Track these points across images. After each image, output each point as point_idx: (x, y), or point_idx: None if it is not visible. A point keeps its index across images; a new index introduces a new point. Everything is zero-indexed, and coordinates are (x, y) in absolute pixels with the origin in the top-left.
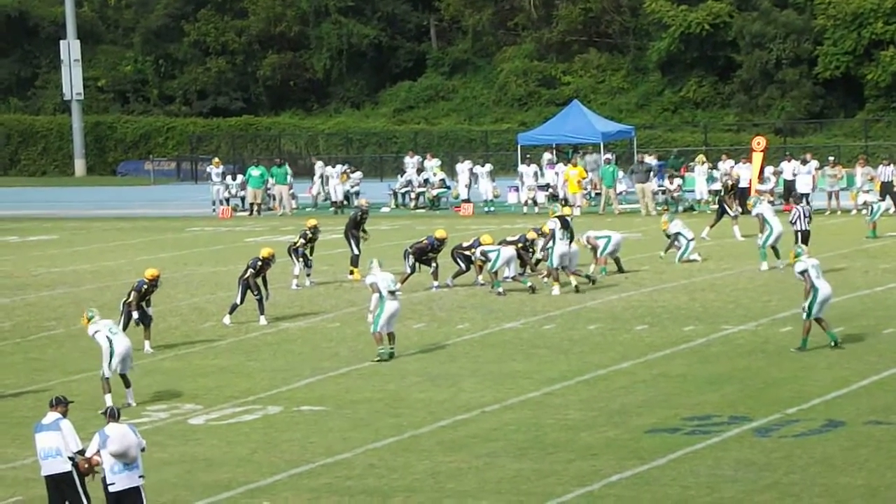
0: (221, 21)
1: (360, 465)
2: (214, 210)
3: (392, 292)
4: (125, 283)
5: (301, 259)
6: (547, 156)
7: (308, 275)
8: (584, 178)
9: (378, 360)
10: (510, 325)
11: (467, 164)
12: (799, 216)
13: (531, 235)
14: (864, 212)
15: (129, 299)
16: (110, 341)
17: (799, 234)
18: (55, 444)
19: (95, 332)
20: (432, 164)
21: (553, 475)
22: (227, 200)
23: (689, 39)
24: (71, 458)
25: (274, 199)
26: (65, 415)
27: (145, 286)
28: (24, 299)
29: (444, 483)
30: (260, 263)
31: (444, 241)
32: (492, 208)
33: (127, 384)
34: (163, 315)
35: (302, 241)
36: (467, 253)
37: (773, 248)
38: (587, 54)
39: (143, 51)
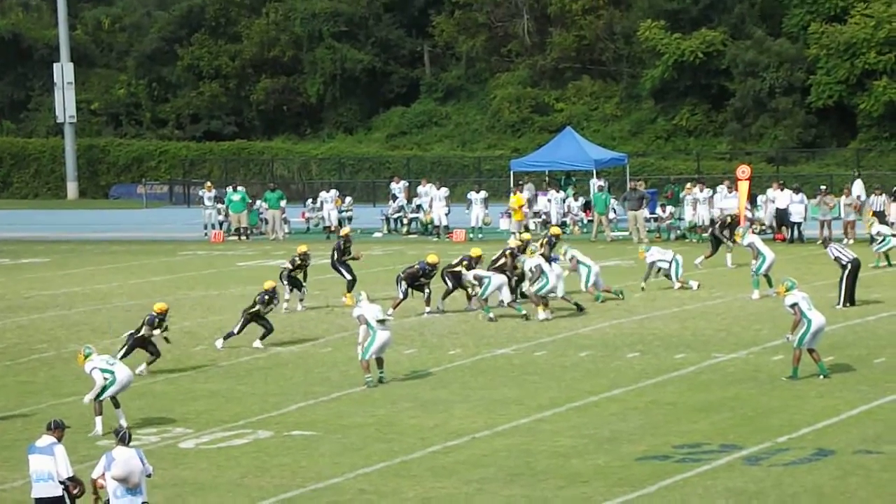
0: (215, 45)
1: (351, 491)
2: (206, 234)
3: (381, 321)
4: (116, 307)
5: (289, 284)
6: (528, 187)
7: (301, 299)
8: (521, 206)
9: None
10: (502, 352)
11: (443, 191)
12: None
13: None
14: (873, 243)
15: (140, 333)
16: (112, 373)
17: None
18: (47, 468)
19: (92, 368)
20: (426, 189)
21: (543, 502)
22: (220, 224)
23: (682, 67)
24: (62, 483)
25: (266, 223)
26: (60, 439)
27: (157, 320)
28: (15, 322)
29: None
30: (267, 297)
31: (436, 266)
32: (480, 235)
33: (116, 405)
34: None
35: (289, 266)
36: (456, 270)
37: (766, 276)
38: (580, 81)
39: (136, 74)
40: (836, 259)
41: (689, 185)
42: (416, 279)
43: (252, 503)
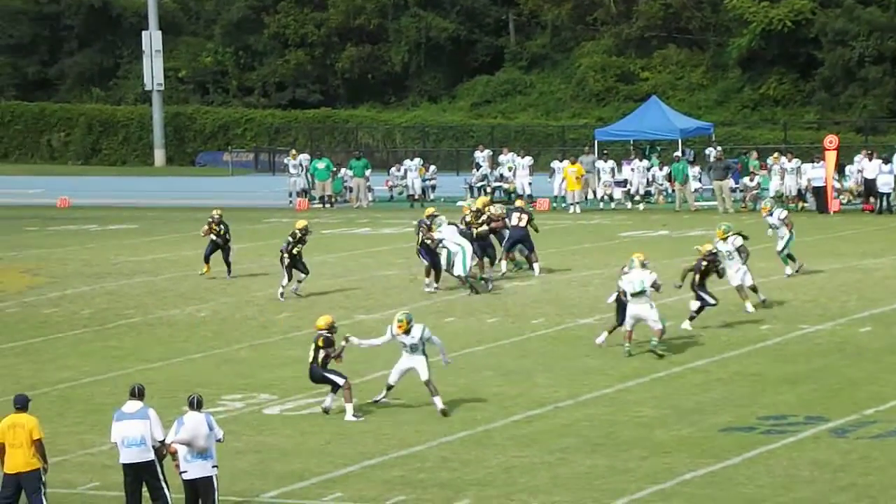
0: (301, 13)
1: (433, 458)
2: (291, 202)
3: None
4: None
5: (286, 268)
6: (589, 157)
7: (300, 280)
8: (581, 175)
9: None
10: (585, 321)
11: (527, 159)
12: None
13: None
14: None
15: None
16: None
17: None
18: (140, 433)
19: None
20: (508, 158)
21: (626, 472)
22: (305, 192)
23: (770, 36)
24: (155, 447)
25: (350, 191)
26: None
27: (298, 234)
28: (103, 287)
29: (516, 478)
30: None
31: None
32: (564, 204)
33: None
34: (239, 306)
35: (290, 240)
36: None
37: (789, 255)
38: (666, 50)
39: (223, 42)
40: None
41: (775, 154)
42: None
43: (335, 469)
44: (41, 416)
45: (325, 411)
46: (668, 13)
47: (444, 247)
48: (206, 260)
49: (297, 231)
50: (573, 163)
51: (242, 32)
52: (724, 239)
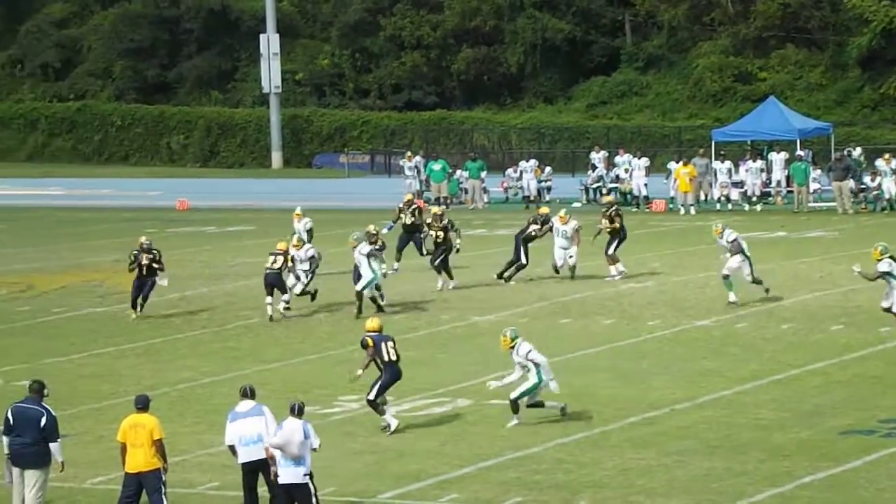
0: (417, 15)
1: (549, 460)
2: None
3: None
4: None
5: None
6: (703, 160)
7: (287, 301)
8: (693, 177)
9: None
10: (701, 323)
11: (643, 160)
12: None
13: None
14: None
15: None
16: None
17: None
18: (257, 431)
19: (528, 351)
20: (624, 159)
21: (744, 475)
22: (420, 194)
23: (890, 35)
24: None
25: (466, 193)
26: None
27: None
28: (221, 289)
29: (633, 480)
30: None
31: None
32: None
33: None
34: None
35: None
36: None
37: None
38: (784, 50)
39: (339, 45)
40: None
41: (885, 155)
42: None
43: (451, 471)
44: (161, 416)
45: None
46: (787, 13)
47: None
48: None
49: (281, 250)
50: (685, 164)
51: (359, 35)
52: (879, 260)
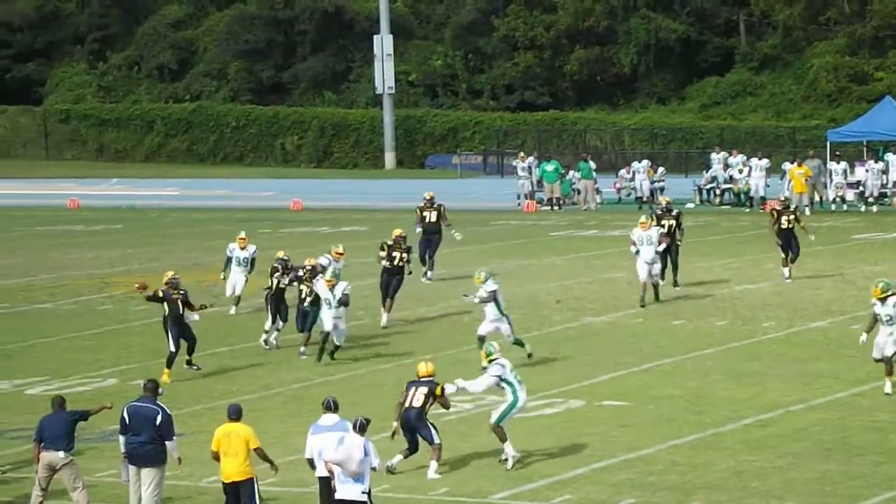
0: (530, 16)
1: (662, 462)
2: (519, 204)
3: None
4: (440, 274)
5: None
6: (814, 161)
7: (279, 329)
8: (808, 178)
9: None
10: (816, 325)
11: (764, 161)
12: None
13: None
14: None
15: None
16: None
17: None
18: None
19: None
20: (737, 160)
21: (860, 478)
22: (533, 194)
23: None
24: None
25: (578, 193)
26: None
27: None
28: None
29: (747, 482)
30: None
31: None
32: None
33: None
34: (467, 308)
35: (278, 272)
36: None
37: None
38: None
39: (452, 45)
40: None
41: None
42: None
43: (564, 472)
44: (274, 416)
45: (391, 471)
46: None
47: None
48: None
49: (279, 261)
50: (800, 165)
51: (472, 35)
52: (883, 300)
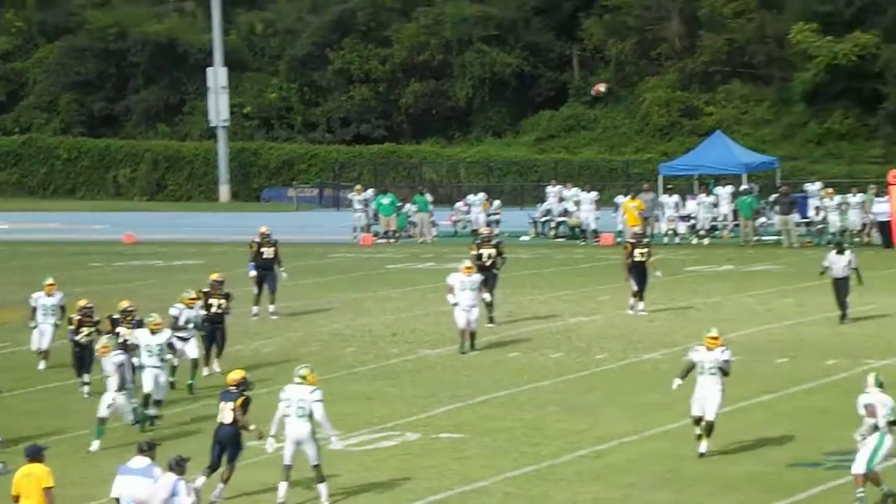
0: (365, 49)
1: (498, 494)
2: (356, 237)
3: None
4: (246, 311)
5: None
6: (648, 195)
7: (86, 383)
8: (641, 210)
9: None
10: (649, 356)
11: (593, 194)
12: None
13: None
14: None
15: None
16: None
17: None
18: (142, 494)
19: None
20: (572, 193)
21: None
22: (369, 227)
23: (835, 71)
24: None
25: (415, 226)
26: (154, 459)
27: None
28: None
29: None
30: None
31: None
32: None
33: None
34: (304, 341)
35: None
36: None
37: None
38: (731, 85)
39: (288, 78)
40: None
41: (829, 189)
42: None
43: None
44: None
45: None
46: (733, 48)
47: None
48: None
49: (82, 310)
50: (633, 198)
51: (307, 68)
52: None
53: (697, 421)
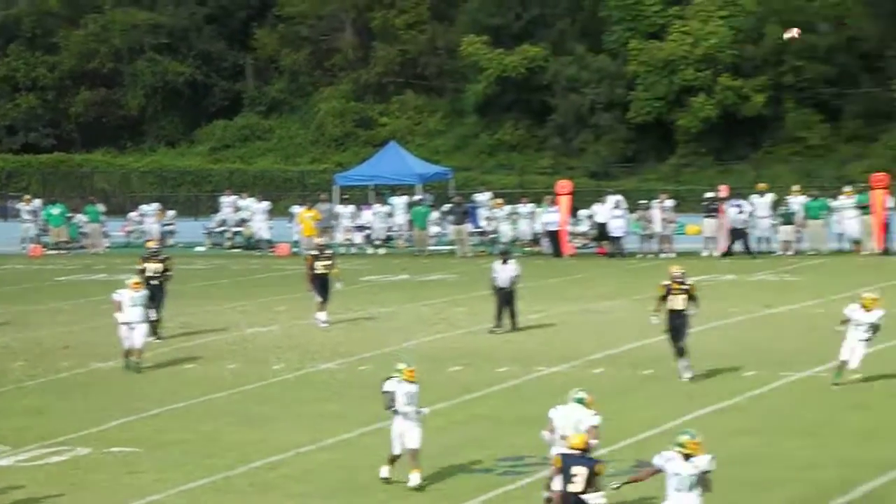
0: (32, 56)
1: None
2: (24, 248)
3: None
4: None
5: None
6: (325, 205)
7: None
8: (318, 220)
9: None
10: (325, 366)
11: (265, 204)
12: None
13: None
14: None
15: None
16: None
17: None
18: None
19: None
20: (246, 203)
21: None
22: (39, 238)
23: (505, 82)
24: None
25: (86, 237)
26: None
27: None
28: None
29: None
30: None
31: None
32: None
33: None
34: None
35: None
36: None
37: None
38: (404, 96)
39: None
40: None
41: (498, 200)
42: None
43: None
44: None
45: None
46: (406, 59)
47: None
48: None
49: None
50: (309, 209)
51: None
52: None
53: (394, 459)
